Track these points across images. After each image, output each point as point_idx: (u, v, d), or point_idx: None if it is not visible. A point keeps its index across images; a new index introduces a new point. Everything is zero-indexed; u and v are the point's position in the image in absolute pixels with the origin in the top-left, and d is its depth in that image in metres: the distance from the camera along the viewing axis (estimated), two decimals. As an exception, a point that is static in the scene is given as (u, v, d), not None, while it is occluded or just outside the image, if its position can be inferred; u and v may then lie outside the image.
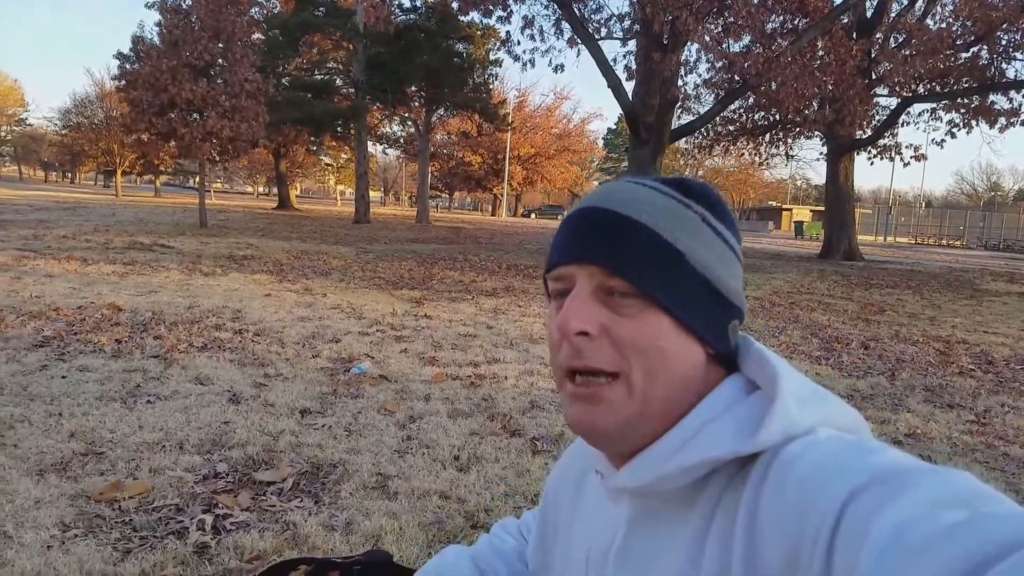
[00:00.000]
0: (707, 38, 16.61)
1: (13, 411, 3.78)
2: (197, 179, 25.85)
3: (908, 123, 24.09)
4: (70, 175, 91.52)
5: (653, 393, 0.68)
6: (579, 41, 17.77)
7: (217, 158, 22.22)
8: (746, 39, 18.34)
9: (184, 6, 19.03)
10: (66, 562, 2.38)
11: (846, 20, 19.30)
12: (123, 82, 20.12)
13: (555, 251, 0.74)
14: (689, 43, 16.93)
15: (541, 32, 19.22)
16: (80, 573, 2.33)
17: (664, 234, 0.69)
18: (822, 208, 36.02)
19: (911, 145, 22.19)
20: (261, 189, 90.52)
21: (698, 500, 0.67)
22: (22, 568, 2.32)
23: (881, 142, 22.68)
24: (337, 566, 1.08)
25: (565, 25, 18.38)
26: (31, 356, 4.94)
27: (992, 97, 20.16)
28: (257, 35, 28.51)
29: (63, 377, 4.50)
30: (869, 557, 0.47)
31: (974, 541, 0.44)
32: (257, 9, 28.29)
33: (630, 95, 17.25)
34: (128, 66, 20.84)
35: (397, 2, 31.40)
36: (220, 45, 19.40)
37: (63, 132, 56.11)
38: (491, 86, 35.93)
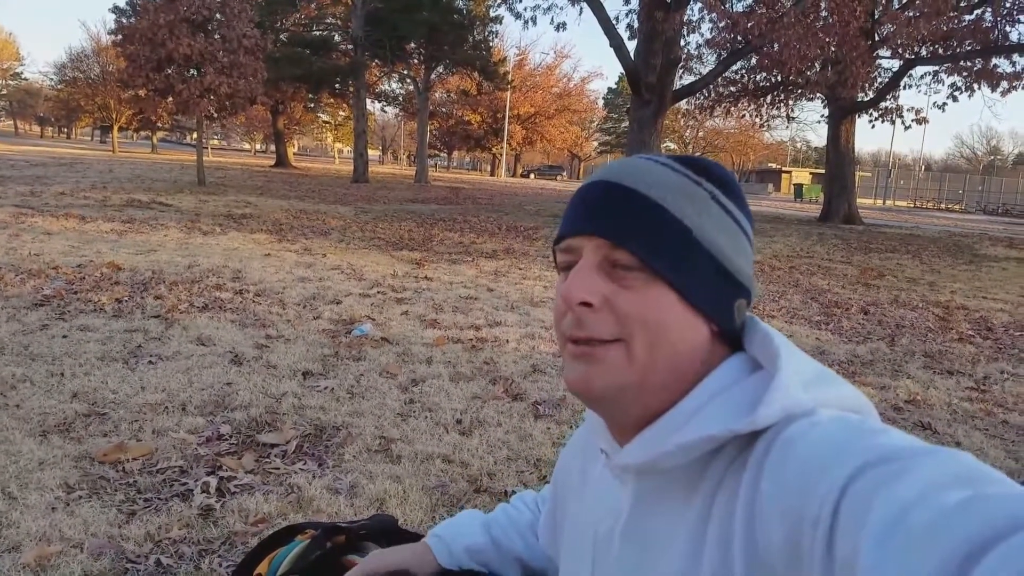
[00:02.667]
0: (710, -3, 16.37)
1: (15, 371, 3.79)
2: (194, 136, 25.66)
3: (910, 86, 23.81)
4: (66, 130, 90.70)
5: (654, 365, 0.68)
6: (581, -2, 17.51)
7: (215, 115, 22.01)
8: (749, -1, 18.07)
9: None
10: (71, 524, 2.39)
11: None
12: (119, 36, 19.80)
13: (564, 223, 0.74)
14: (692, 2, 16.69)
15: (544, -12, 18.95)
16: (85, 535, 2.34)
17: (671, 208, 0.69)
18: (822, 171, 35.86)
19: (912, 108, 21.94)
20: (258, 146, 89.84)
21: (701, 481, 0.67)
22: (27, 529, 2.33)
23: (883, 105, 22.40)
24: (343, 531, 1.09)
25: (568, -18, 18.11)
26: (32, 315, 4.93)
27: (995, 60, 19.89)
28: (255, -11, 28.05)
29: (64, 337, 4.49)
30: (870, 539, 0.47)
31: (976, 522, 0.44)
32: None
33: (632, 55, 17.04)
34: (124, 20, 20.55)
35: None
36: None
37: (59, 87, 55.50)
38: (491, 44, 35.58)
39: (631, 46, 17.23)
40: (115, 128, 49.54)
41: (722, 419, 0.64)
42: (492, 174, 66.87)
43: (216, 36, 19.40)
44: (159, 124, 50.39)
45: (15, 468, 2.73)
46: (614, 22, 17.23)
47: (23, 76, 74.49)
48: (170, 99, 19.78)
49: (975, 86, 20.69)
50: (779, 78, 21.47)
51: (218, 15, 19.32)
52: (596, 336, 0.68)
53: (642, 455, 0.69)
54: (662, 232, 0.68)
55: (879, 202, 48.99)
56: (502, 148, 58.22)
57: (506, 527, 1.08)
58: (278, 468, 2.93)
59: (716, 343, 0.71)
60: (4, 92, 75.25)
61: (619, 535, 0.75)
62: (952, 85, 21.35)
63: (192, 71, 19.11)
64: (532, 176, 68.70)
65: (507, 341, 5.21)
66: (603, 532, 0.78)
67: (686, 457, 0.66)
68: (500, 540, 1.06)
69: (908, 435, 0.57)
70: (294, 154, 57.17)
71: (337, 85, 34.71)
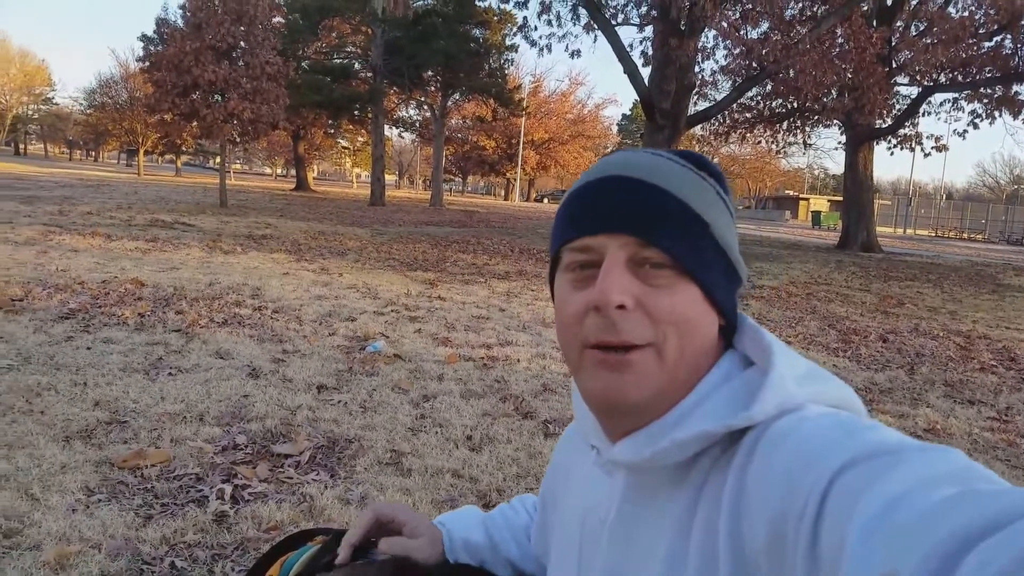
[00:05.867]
0: (725, 24, 16.41)
1: (40, 379, 3.88)
2: (217, 159, 26.06)
3: (929, 113, 23.71)
4: (94, 154, 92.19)
5: (682, 363, 0.68)
6: (596, 27, 17.66)
7: (238, 139, 22.38)
8: (764, 25, 18.17)
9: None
10: (90, 525, 2.46)
11: (866, 7, 18.86)
12: (147, 63, 20.30)
13: (577, 221, 0.72)
14: (707, 29, 16.75)
15: (558, 17, 19.13)
16: (103, 536, 2.40)
17: (692, 204, 0.69)
18: (840, 198, 35.67)
19: (932, 135, 21.72)
20: (279, 171, 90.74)
21: (688, 475, 0.67)
22: (48, 529, 2.40)
23: (901, 132, 22.17)
24: None
25: (582, 11, 18.24)
26: (57, 327, 5.04)
27: (1016, 87, 19.71)
28: (278, 19, 28.70)
29: (88, 348, 4.59)
30: (857, 533, 0.47)
31: (963, 517, 0.43)
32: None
33: (646, 81, 17.12)
34: (152, 48, 21.02)
35: (416, -13, 31.46)
36: (242, 28, 19.54)
37: (88, 112, 56.39)
38: (507, 71, 35.98)
39: (645, 73, 17.30)
40: (141, 152, 50.26)
41: (718, 415, 0.64)
42: (506, 198, 67.12)
43: (240, 63, 19.81)
44: (183, 148, 51.20)
45: (38, 471, 2.81)
46: (628, 49, 17.31)
47: (54, 101, 75.88)
48: (195, 123, 20.22)
49: (996, 113, 20.54)
50: (795, 104, 21.50)
51: (242, 43, 19.72)
52: (632, 341, 0.66)
53: (637, 452, 0.69)
54: (687, 228, 0.68)
55: (899, 231, 48.63)
56: (516, 173, 58.43)
57: (502, 528, 1.07)
58: (291, 478, 2.99)
59: (719, 337, 0.72)
60: (35, 116, 76.60)
61: (607, 529, 0.74)
62: (972, 112, 21.21)
63: (216, 96, 19.48)
64: (545, 201, 68.85)
65: (518, 360, 5.25)
66: (591, 526, 0.78)
67: (682, 454, 0.66)
68: (496, 540, 1.05)
69: (898, 432, 0.57)
70: (314, 178, 57.69)
71: (356, 111, 35.16)
